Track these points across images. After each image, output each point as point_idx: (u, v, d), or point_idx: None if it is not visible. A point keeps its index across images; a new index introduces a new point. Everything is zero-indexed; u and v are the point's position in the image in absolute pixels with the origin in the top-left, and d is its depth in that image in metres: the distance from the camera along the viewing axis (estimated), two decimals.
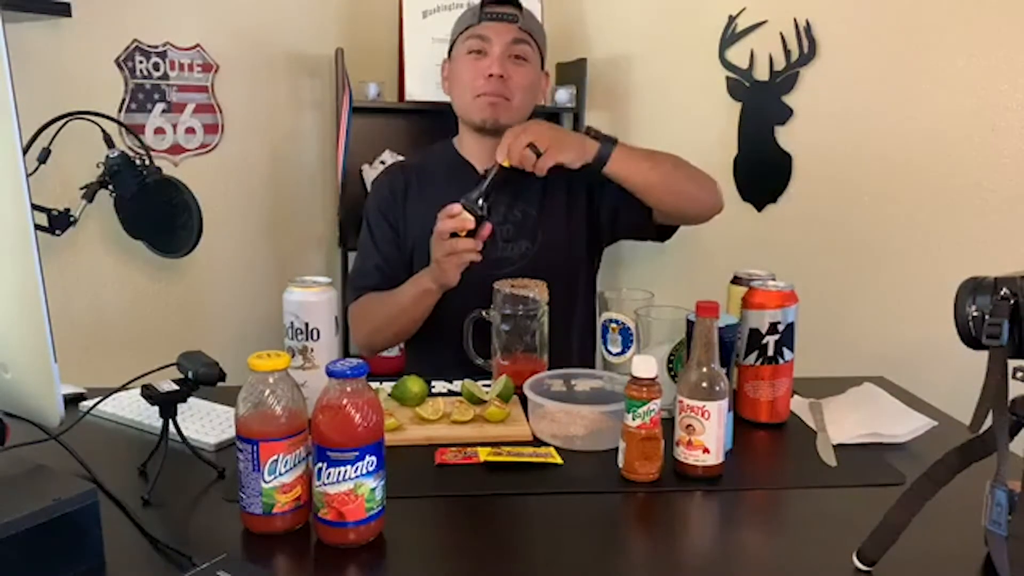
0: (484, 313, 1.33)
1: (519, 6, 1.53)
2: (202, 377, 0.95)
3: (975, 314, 0.73)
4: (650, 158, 1.44)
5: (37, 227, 0.96)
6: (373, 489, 0.83)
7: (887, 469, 1.03)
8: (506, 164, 1.36)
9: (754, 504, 0.98)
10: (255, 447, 0.83)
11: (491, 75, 1.48)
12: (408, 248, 1.57)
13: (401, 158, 2.17)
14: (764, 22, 2.19)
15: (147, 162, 1.92)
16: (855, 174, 2.12)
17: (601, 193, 1.57)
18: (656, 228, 1.58)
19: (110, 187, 1.88)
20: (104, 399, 1.04)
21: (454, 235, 1.32)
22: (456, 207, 1.32)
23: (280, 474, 0.84)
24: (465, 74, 1.52)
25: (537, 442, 1.11)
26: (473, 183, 1.42)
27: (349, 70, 2.19)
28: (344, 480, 0.81)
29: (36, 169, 1.78)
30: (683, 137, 2.40)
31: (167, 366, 0.97)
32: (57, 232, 1.83)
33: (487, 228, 1.33)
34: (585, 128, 1.45)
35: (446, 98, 2.23)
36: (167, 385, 0.97)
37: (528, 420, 1.15)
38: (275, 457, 0.83)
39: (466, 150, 1.60)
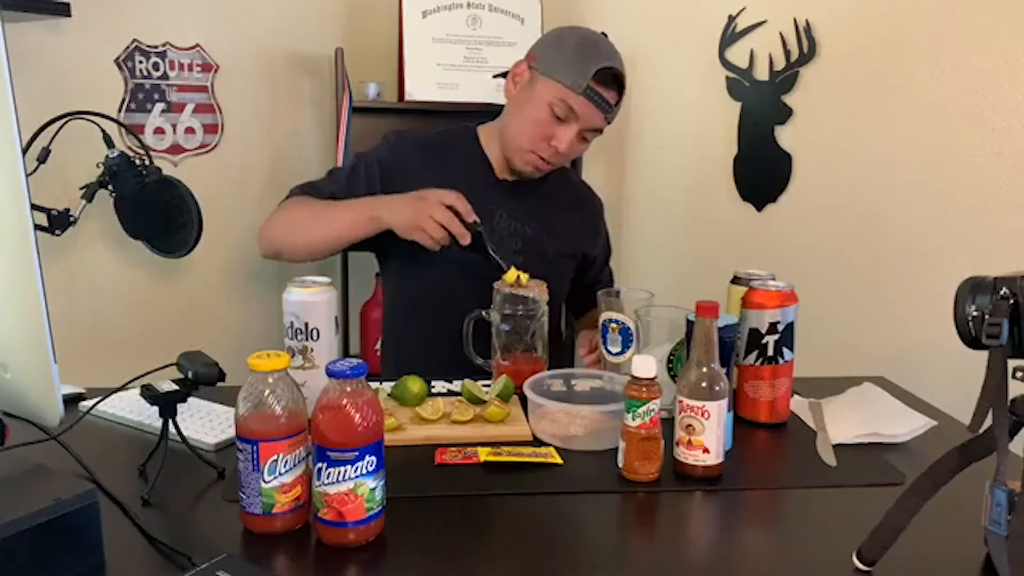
0: (484, 313, 1.33)
1: (622, 92, 1.46)
2: (202, 377, 0.95)
3: (975, 314, 0.73)
4: None
5: (37, 227, 0.96)
6: (373, 489, 0.83)
7: (887, 469, 1.03)
8: (506, 273, 1.34)
9: (754, 504, 0.98)
10: (255, 447, 0.83)
11: (555, 147, 1.45)
12: None
13: None
14: (764, 22, 2.19)
15: (147, 162, 1.93)
16: (855, 174, 2.12)
17: (591, 270, 1.69)
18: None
19: (110, 187, 1.88)
20: (104, 399, 1.04)
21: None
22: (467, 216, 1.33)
23: (280, 474, 0.84)
24: (534, 123, 1.46)
25: (537, 442, 1.11)
26: (486, 184, 1.49)
27: (349, 70, 2.19)
28: (344, 480, 0.81)
29: (36, 169, 1.78)
30: (683, 137, 2.41)
31: (167, 366, 0.97)
32: (57, 232, 1.83)
33: (467, 240, 1.34)
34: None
35: (446, 98, 2.26)
36: (167, 385, 0.97)
37: (528, 420, 1.15)
38: (275, 457, 0.83)
39: (489, 149, 1.57)
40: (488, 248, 1.35)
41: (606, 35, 1.53)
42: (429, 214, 1.32)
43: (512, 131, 1.50)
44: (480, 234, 1.34)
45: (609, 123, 1.49)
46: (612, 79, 1.43)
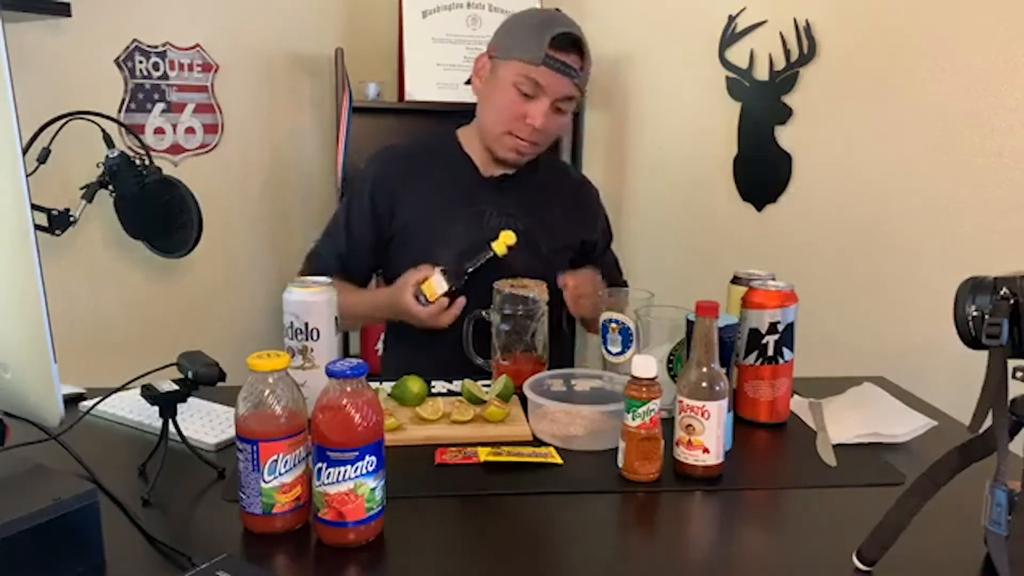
0: (484, 313, 1.33)
1: (583, 55, 1.45)
2: (202, 377, 0.95)
3: (975, 314, 0.73)
4: None
5: (37, 227, 0.96)
6: (373, 489, 0.83)
7: (887, 469, 1.03)
8: (500, 254, 1.38)
9: (754, 504, 0.98)
10: (255, 447, 0.83)
11: (531, 124, 1.45)
12: (396, 230, 1.54)
13: None
14: (764, 22, 2.19)
15: (147, 162, 1.93)
16: (855, 174, 2.12)
17: (592, 255, 1.66)
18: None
19: (110, 187, 1.88)
20: (104, 399, 1.04)
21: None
22: (430, 276, 1.35)
23: (280, 474, 0.84)
24: (505, 107, 1.46)
25: (537, 442, 1.11)
26: (474, 184, 1.45)
27: (349, 70, 2.19)
28: (344, 480, 0.81)
29: (36, 169, 1.78)
30: (683, 137, 2.41)
31: (167, 366, 0.97)
32: (57, 232, 1.83)
33: (460, 302, 1.36)
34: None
35: (446, 98, 2.26)
36: (167, 385, 0.97)
37: (528, 420, 1.15)
38: (275, 457, 0.83)
39: (470, 148, 1.57)
40: (470, 271, 1.38)
41: (560, 10, 1.53)
42: (421, 320, 1.37)
43: (487, 122, 1.51)
44: (458, 289, 1.36)
45: (581, 90, 1.49)
46: (570, 43, 1.43)
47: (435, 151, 1.59)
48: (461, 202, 1.50)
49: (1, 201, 0.69)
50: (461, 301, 1.36)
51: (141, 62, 2.03)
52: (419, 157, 1.58)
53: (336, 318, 1.14)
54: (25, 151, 1.68)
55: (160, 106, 2.08)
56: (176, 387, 0.96)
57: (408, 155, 1.59)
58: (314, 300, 1.12)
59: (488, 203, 1.52)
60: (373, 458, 0.82)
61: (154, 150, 2.03)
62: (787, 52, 2.16)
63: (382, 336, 1.75)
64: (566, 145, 2.49)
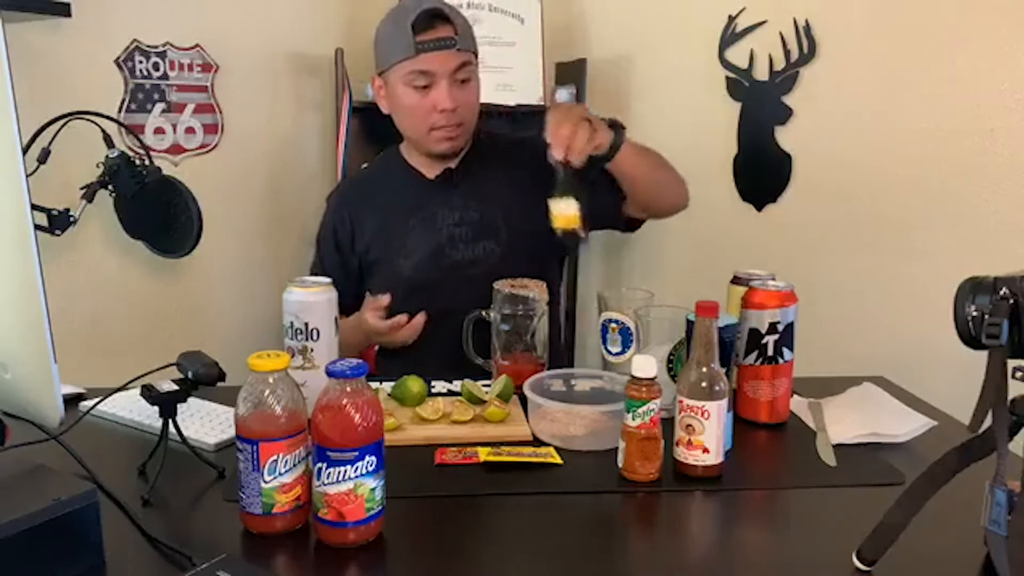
0: (484, 313, 1.33)
1: (450, 20, 1.44)
2: (202, 377, 0.95)
3: (975, 314, 0.73)
4: (645, 153, 1.47)
5: (37, 227, 0.96)
6: (373, 489, 0.83)
7: (887, 469, 1.03)
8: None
9: (754, 504, 0.98)
10: (255, 447, 0.83)
11: (443, 109, 1.45)
12: (361, 255, 1.58)
13: None
14: (764, 22, 2.19)
15: (147, 162, 1.92)
16: (855, 174, 2.12)
17: None
18: (625, 220, 1.60)
19: (110, 187, 1.87)
20: (104, 399, 1.04)
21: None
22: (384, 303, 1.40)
23: (280, 474, 0.84)
24: (412, 108, 1.48)
25: (537, 442, 1.11)
26: (421, 190, 1.48)
27: (349, 70, 2.19)
28: (344, 480, 0.81)
29: (36, 169, 1.78)
30: (683, 137, 2.40)
31: (167, 366, 0.97)
32: (57, 232, 1.83)
33: (420, 318, 1.40)
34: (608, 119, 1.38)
35: None
36: (167, 385, 0.97)
37: (528, 420, 1.15)
38: (275, 457, 0.83)
39: (414, 160, 1.60)
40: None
41: None
42: (380, 334, 1.42)
43: (409, 130, 1.54)
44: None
45: (473, 52, 1.49)
46: (432, 19, 1.43)
47: (383, 171, 1.64)
48: (412, 211, 1.51)
49: (1, 201, 0.69)
50: (421, 317, 1.39)
51: (141, 62, 2.03)
52: (369, 181, 1.64)
53: (336, 318, 1.15)
54: (25, 151, 1.68)
55: (160, 106, 2.08)
56: (176, 387, 0.97)
57: (359, 183, 1.65)
58: (314, 300, 1.12)
59: (438, 204, 1.54)
60: (373, 458, 0.82)
61: (154, 150, 2.03)
62: (787, 52, 2.16)
63: None
64: None
